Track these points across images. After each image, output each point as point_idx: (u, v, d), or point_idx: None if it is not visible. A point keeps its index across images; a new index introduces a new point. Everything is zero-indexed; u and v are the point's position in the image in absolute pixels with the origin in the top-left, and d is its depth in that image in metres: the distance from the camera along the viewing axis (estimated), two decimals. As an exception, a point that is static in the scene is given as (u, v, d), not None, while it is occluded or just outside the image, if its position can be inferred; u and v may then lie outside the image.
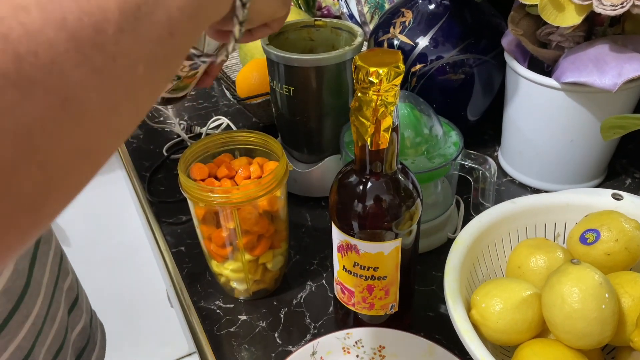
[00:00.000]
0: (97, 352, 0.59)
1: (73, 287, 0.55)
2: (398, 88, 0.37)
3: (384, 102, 0.37)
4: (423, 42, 0.67)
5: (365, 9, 0.93)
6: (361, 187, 0.42)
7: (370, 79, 0.36)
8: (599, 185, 0.68)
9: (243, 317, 0.55)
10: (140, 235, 1.08)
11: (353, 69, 0.37)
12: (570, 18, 0.52)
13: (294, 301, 0.56)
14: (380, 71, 0.36)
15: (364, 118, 0.38)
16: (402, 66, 0.36)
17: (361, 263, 0.44)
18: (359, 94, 0.37)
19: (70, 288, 0.53)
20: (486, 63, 0.67)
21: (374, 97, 0.37)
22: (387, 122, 0.38)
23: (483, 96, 0.71)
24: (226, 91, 0.79)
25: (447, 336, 0.52)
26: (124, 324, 1.23)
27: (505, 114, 0.69)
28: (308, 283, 0.58)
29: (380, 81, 0.36)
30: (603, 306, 0.38)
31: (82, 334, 0.56)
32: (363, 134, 0.39)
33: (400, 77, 0.37)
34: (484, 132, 0.78)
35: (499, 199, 0.60)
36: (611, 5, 0.48)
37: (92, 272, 1.17)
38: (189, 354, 1.40)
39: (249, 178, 0.52)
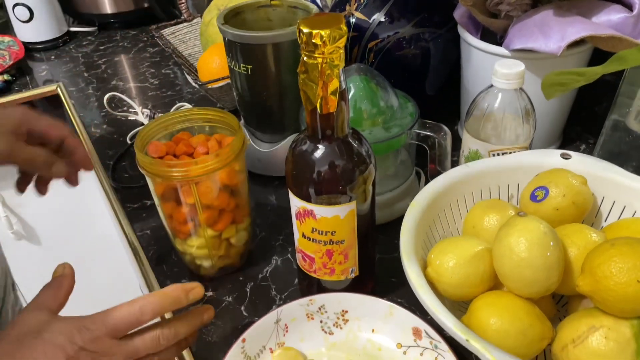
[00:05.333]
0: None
1: None
2: (342, 50, 0.38)
3: (330, 65, 0.38)
4: (378, 17, 0.68)
5: (326, -9, 0.94)
6: (314, 152, 0.43)
7: (314, 41, 0.37)
8: (555, 152, 0.70)
9: (209, 294, 0.55)
10: (110, 229, 1.07)
11: (297, 34, 0.38)
12: (514, -15, 0.53)
13: (260, 275, 0.57)
14: (323, 33, 0.36)
15: (311, 82, 0.39)
16: (344, 27, 0.37)
17: (319, 228, 0.45)
18: (305, 58, 0.38)
19: None
20: (441, 37, 0.69)
21: (319, 59, 0.38)
22: (334, 85, 0.39)
23: (440, 70, 0.72)
24: (187, 76, 0.79)
25: (409, 300, 0.53)
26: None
27: (462, 86, 0.71)
28: (274, 258, 0.59)
29: (324, 43, 0.37)
30: (548, 254, 0.40)
31: None
32: (311, 97, 0.39)
33: (344, 39, 0.37)
34: (444, 107, 0.80)
35: (457, 168, 0.62)
36: (551, -30, 0.50)
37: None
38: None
39: (208, 154, 0.52)
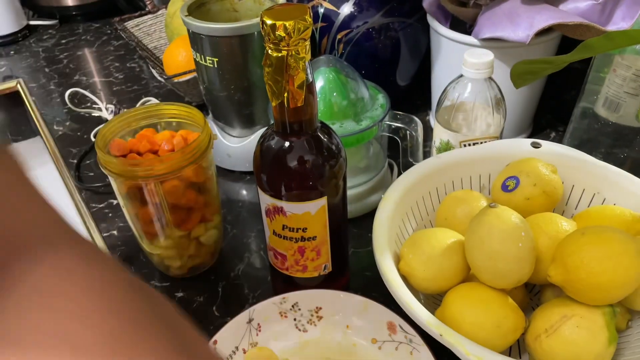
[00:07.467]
0: None
1: None
2: (308, 42, 0.37)
3: (295, 57, 0.37)
4: (347, 7, 0.66)
5: (294, -18, 0.92)
6: (282, 147, 0.41)
7: (278, 33, 0.35)
8: (525, 141, 0.71)
9: (180, 294, 0.54)
10: (77, 228, 1.04)
11: (261, 25, 0.36)
12: (482, -27, 0.53)
13: (232, 274, 0.56)
14: (287, 24, 0.35)
15: (276, 75, 0.37)
16: (309, 19, 0.36)
17: (289, 225, 0.44)
18: (269, 51, 0.37)
19: None
20: (411, 26, 0.68)
21: (284, 52, 0.36)
22: (300, 78, 0.38)
23: (411, 60, 0.72)
24: (153, 70, 0.77)
25: (383, 293, 0.52)
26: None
27: (432, 76, 0.70)
28: (246, 255, 0.58)
29: (289, 35, 0.35)
30: (520, 244, 0.40)
31: None
32: (277, 91, 0.38)
33: (309, 31, 0.36)
34: (416, 98, 0.79)
35: (429, 158, 0.61)
36: (518, -42, 0.50)
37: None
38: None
39: (173, 151, 0.51)
